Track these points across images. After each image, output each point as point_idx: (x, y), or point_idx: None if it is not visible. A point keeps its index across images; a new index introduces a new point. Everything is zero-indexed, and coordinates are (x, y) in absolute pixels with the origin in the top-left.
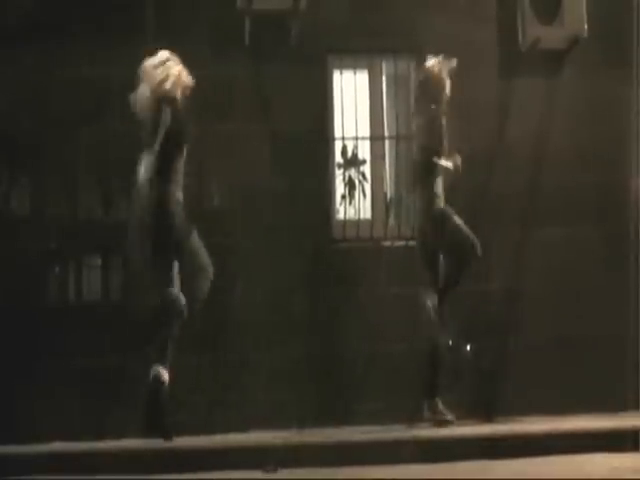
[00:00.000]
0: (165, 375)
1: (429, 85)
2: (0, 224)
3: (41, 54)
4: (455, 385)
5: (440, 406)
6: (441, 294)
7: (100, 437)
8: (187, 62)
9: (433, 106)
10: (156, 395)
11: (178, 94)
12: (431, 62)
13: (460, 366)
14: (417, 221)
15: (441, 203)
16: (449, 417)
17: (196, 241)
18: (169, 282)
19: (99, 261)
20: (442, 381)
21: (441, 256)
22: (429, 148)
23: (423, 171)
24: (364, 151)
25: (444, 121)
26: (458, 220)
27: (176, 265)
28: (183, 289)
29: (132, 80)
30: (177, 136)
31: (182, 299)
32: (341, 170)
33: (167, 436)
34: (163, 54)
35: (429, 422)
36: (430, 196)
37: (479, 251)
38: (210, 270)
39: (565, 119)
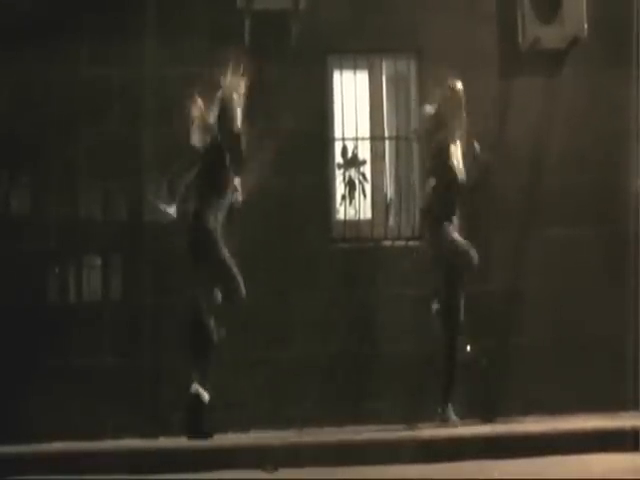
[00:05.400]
0: (205, 395)
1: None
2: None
3: (41, 54)
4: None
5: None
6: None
7: (100, 437)
8: (187, 62)
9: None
10: (196, 414)
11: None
12: (456, 82)
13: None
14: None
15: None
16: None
17: (229, 260)
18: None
19: (99, 261)
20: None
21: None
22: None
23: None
24: (364, 151)
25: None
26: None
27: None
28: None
29: (132, 80)
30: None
31: (212, 329)
32: (341, 170)
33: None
34: None
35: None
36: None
37: (475, 264)
38: (241, 292)
39: (565, 119)
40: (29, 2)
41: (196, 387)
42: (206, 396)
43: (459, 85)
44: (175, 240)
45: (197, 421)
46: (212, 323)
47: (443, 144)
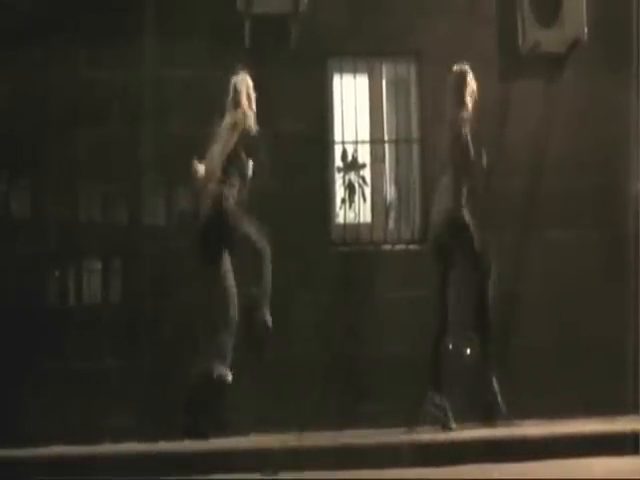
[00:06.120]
0: (228, 374)
1: (456, 88)
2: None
3: (41, 54)
4: (455, 388)
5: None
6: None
7: (99, 440)
8: (186, 64)
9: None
10: (220, 393)
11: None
12: (457, 66)
13: (460, 368)
14: (437, 225)
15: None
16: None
17: (250, 229)
18: (222, 278)
19: (98, 263)
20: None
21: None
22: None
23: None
24: (364, 155)
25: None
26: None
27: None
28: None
29: (132, 81)
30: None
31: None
32: (341, 174)
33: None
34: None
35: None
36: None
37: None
38: (267, 253)
39: (565, 122)
40: (29, 2)
41: (220, 369)
42: (230, 377)
43: (459, 68)
44: (174, 242)
45: (218, 407)
46: (234, 304)
47: (458, 130)
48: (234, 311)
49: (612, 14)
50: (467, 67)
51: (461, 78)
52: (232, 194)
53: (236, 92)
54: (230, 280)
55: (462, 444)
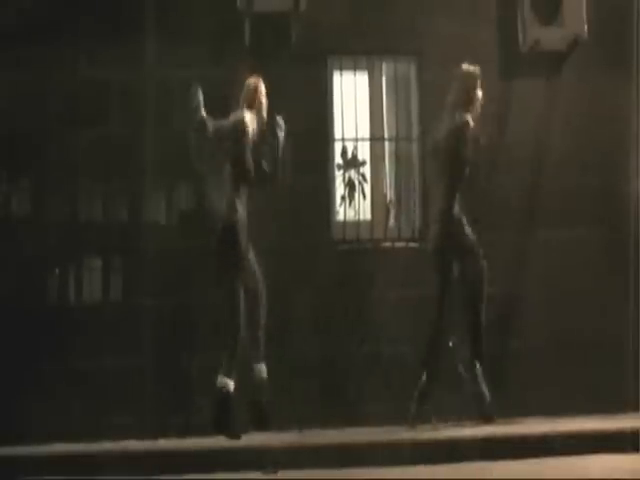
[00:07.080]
0: (230, 385)
1: (465, 88)
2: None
3: (41, 54)
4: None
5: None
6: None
7: (100, 438)
8: (187, 63)
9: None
10: (223, 403)
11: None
12: (468, 66)
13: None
14: (434, 225)
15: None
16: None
17: (254, 263)
18: (234, 298)
19: (99, 262)
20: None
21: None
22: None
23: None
24: (364, 152)
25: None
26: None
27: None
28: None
29: (132, 81)
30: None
31: (240, 317)
32: (341, 171)
33: (235, 437)
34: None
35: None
36: (452, 201)
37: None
38: (263, 296)
39: (565, 120)
40: (29, 2)
41: (222, 380)
42: (232, 386)
43: (469, 68)
44: (175, 241)
45: (226, 417)
46: (240, 315)
47: (460, 129)
48: (240, 324)
49: (612, 12)
50: (478, 69)
51: (471, 79)
52: (242, 206)
53: (250, 92)
54: (240, 297)
55: (462, 442)
